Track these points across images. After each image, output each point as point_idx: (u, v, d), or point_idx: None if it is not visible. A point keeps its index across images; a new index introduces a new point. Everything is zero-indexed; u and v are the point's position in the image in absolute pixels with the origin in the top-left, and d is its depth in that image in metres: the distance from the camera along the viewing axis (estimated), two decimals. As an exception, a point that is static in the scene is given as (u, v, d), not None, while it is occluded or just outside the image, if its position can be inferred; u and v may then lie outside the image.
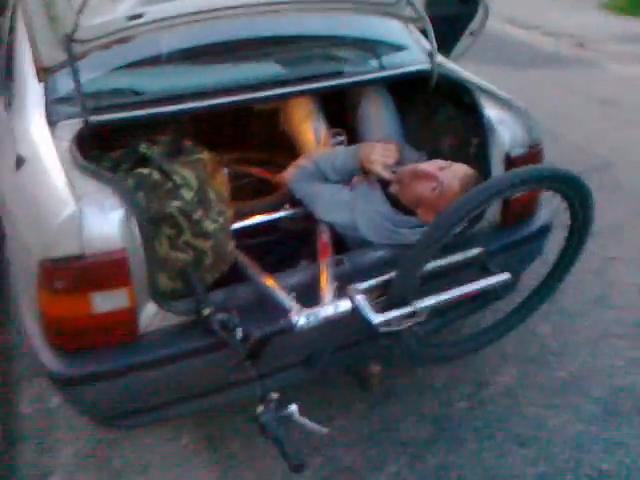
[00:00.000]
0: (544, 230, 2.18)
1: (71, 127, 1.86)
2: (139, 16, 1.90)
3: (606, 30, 7.88)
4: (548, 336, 2.64)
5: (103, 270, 1.56)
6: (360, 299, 1.66)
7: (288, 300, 1.68)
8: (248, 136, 2.69)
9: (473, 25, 2.88)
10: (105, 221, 1.56)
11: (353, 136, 2.47)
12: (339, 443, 2.17)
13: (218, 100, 2.02)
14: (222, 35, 2.15)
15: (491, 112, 2.06)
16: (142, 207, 1.64)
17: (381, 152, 2.12)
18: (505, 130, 2.03)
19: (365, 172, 2.17)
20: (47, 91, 1.94)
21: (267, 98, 2.11)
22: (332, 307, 1.65)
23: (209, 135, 2.42)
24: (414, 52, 2.39)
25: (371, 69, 2.33)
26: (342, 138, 2.40)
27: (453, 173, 1.94)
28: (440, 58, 2.35)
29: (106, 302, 1.59)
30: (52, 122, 1.88)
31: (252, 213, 2.18)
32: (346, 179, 2.19)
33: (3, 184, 1.93)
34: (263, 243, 2.18)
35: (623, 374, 2.47)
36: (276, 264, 1.99)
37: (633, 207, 3.58)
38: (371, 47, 2.38)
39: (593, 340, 2.64)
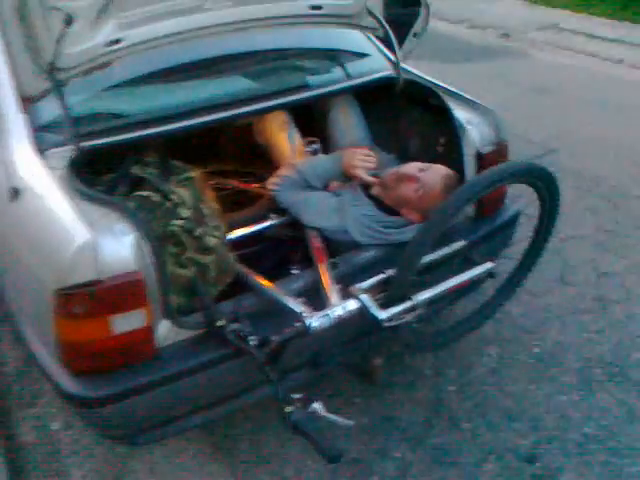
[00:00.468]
0: (514, 218, 2.35)
1: (61, 154, 1.88)
2: (118, 41, 1.94)
3: (526, 20, 8.27)
4: (520, 316, 2.82)
5: (120, 293, 1.60)
6: (366, 298, 1.76)
7: (298, 305, 1.76)
8: (220, 148, 2.75)
9: (416, 27, 3.02)
10: (118, 245, 1.60)
11: (324, 143, 2.57)
12: (343, 437, 2.27)
13: (202, 119, 2.09)
14: (197, 54, 2.23)
15: (459, 113, 2.21)
16: (150, 229, 1.69)
17: (362, 158, 2.23)
18: (474, 129, 2.19)
19: (346, 177, 2.27)
20: (31, 120, 1.95)
21: (248, 113, 2.20)
22: (341, 308, 1.74)
23: (182, 150, 2.47)
24: (377, 60, 2.52)
25: (339, 79, 2.44)
26: (317, 146, 2.50)
27: (434, 174, 2.08)
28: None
29: (124, 323, 1.64)
30: (41, 151, 1.90)
31: (239, 225, 2.24)
32: (327, 185, 2.29)
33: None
34: (252, 253, 2.25)
35: (592, 346, 2.68)
36: (266, 272, 2.07)
37: (580, 189, 3.82)
38: (337, 58, 2.50)
39: (560, 316, 2.84)
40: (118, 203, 1.70)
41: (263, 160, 2.57)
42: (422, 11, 2.89)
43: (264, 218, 2.29)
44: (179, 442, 2.26)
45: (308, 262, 2.15)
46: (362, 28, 2.39)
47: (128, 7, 1.90)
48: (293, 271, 2.17)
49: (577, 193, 3.78)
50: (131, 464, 2.22)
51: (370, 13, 2.34)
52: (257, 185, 2.52)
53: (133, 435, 1.84)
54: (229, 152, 2.77)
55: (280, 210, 2.30)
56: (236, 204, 2.45)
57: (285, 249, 2.30)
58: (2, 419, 2.33)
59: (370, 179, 2.18)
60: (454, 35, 7.46)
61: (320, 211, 2.15)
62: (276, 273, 2.08)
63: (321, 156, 2.36)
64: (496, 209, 2.34)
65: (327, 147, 2.55)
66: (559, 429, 2.30)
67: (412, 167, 2.13)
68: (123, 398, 1.69)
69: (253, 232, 2.26)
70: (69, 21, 1.79)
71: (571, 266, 3.16)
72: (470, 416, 2.36)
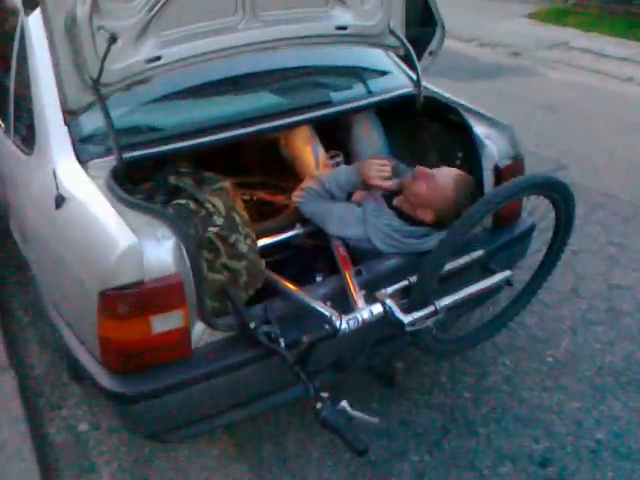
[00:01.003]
0: (530, 230, 2.44)
1: (102, 165, 2.00)
2: (157, 58, 2.06)
3: (536, 39, 8.40)
4: (534, 326, 2.90)
5: (162, 294, 1.71)
6: (390, 302, 1.85)
7: (327, 309, 1.86)
8: (247, 161, 2.85)
9: (432, 46, 3.14)
10: (160, 249, 1.71)
11: (346, 156, 2.68)
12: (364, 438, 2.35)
13: (233, 132, 2.20)
14: (229, 72, 2.34)
15: (478, 129, 2.31)
16: (189, 234, 1.79)
17: (378, 168, 2.31)
18: (493, 144, 2.29)
19: (367, 187, 2.37)
20: (72, 132, 2.06)
21: (275, 128, 2.31)
22: (367, 311, 1.84)
23: (212, 161, 2.58)
24: (398, 77, 2.63)
25: (361, 96, 2.55)
26: (340, 159, 2.60)
27: (446, 173, 2.18)
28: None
29: (164, 323, 1.74)
30: (82, 161, 2.01)
31: (266, 234, 2.34)
32: (350, 195, 2.39)
33: (38, 224, 2.04)
34: (278, 260, 2.35)
35: (602, 355, 2.76)
36: (292, 279, 2.16)
37: (591, 204, 3.92)
38: (360, 75, 2.62)
39: (573, 327, 2.93)
40: (159, 210, 1.80)
41: (288, 173, 2.68)
42: (438, 31, 3.02)
43: (290, 227, 2.39)
44: (204, 443, 2.35)
45: (331, 270, 2.26)
46: (385, 47, 2.50)
47: (167, 27, 2.01)
48: (317, 278, 2.26)
49: (588, 208, 3.87)
50: (157, 463, 2.30)
51: (392, 33, 2.45)
52: (282, 197, 2.63)
53: (166, 432, 1.94)
54: (256, 164, 2.88)
55: (305, 220, 2.39)
56: (262, 214, 2.56)
57: (309, 257, 2.39)
58: (33, 420, 2.42)
59: (387, 185, 2.27)
60: (465, 53, 7.58)
61: (344, 221, 2.24)
62: (301, 280, 2.18)
63: (342, 167, 2.45)
64: (513, 221, 2.43)
65: (350, 161, 2.65)
66: (572, 435, 2.38)
67: (425, 168, 2.22)
68: (159, 395, 1.78)
69: (279, 241, 2.35)
70: (113, 39, 1.90)
71: (583, 279, 3.24)
72: (485, 422, 2.44)
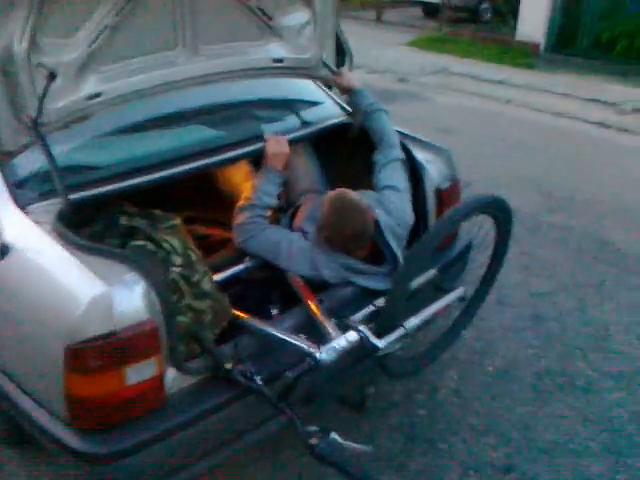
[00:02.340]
0: (468, 247, 2.55)
1: (45, 208, 1.87)
2: (98, 95, 1.97)
3: (419, 65, 8.91)
4: (470, 338, 3.02)
5: (136, 342, 1.61)
6: (364, 329, 1.86)
7: (302, 341, 1.83)
8: (181, 195, 2.77)
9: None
10: (130, 295, 1.61)
11: (284, 186, 2.67)
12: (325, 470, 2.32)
13: (180, 168, 2.14)
14: (166, 107, 2.28)
15: (418, 154, 2.40)
16: (158, 277, 1.70)
17: (275, 148, 2.31)
18: (433, 168, 2.38)
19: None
20: (7, 176, 1.91)
21: (215, 164, 2.26)
22: (344, 339, 1.83)
23: (147, 198, 2.49)
24: (330, 106, 2.68)
25: (296, 127, 2.56)
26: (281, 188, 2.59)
27: (331, 192, 2.22)
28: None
29: (138, 373, 1.64)
30: (22, 206, 1.87)
31: (216, 269, 2.28)
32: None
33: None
34: (230, 296, 2.29)
35: (537, 360, 2.93)
36: (247, 314, 2.12)
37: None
38: (296, 106, 2.64)
39: (505, 336, 3.08)
40: (123, 253, 1.70)
41: (222, 205, 2.62)
42: (347, 60, 3.12)
43: (238, 261, 2.34)
44: None
45: (285, 301, 2.24)
46: (318, 78, 2.55)
47: (107, 62, 1.94)
48: (272, 311, 2.23)
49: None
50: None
51: (325, 65, 2.50)
52: (220, 230, 2.57)
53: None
54: (186, 198, 2.80)
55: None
56: (202, 249, 2.49)
57: (261, 290, 2.36)
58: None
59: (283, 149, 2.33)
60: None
61: (292, 256, 2.19)
62: (255, 313, 2.13)
63: (256, 181, 2.35)
64: (451, 240, 2.53)
65: (286, 190, 2.65)
66: (525, 439, 2.49)
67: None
68: (136, 451, 1.67)
69: (229, 275, 2.29)
70: (53, 76, 1.80)
71: (505, 288, 3.42)
72: (444, 436, 2.50)
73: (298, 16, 2.30)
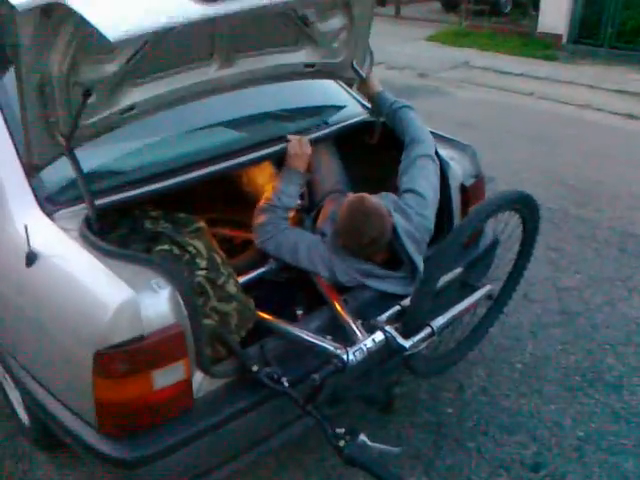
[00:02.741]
0: (495, 244, 2.53)
1: (71, 214, 1.89)
2: (132, 108, 1.96)
3: (438, 60, 8.84)
4: (497, 335, 2.99)
5: (163, 347, 1.62)
6: (390, 329, 1.85)
7: (329, 343, 1.83)
8: (206, 197, 2.78)
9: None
10: (157, 300, 1.63)
11: (307, 187, 2.67)
12: (356, 472, 2.32)
13: (204, 170, 2.15)
14: (192, 111, 2.27)
15: (442, 151, 2.38)
16: (184, 281, 1.71)
17: (296, 148, 2.32)
18: (457, 165, 2.36)
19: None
20: (36, 185, 1.93)
21: (240, 165, 2.26)
22: (371, 340, 1.82)
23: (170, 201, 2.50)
24: (352, 105, 2.67)
25: (320, 126, 2.56)
26: (303, 189, 2.59)
27: (350, 197, 2.19)
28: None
29: (166, 377, 1.65)
30: (48, 213, 1.89)
31: (241, 271, 2.28)
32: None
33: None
34: (255, 298, 2.30)
35: (565, 356, 2.89)
36: (273, 315, 2.12)
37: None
38: (318, 106, 2.65)
39: (533, 331, 3.05)
40: (150, 258, 1.72)
41: (244, 207, 2.63)
42: (367, 57, 3.11)
43: (263, 262, 2.35)
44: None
45: (309, 301, 2.23)
46: (343, 79, 2.54)
47: (143, 75, 1.91)
48: (298, 312, 2.22)
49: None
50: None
51: (353, 68, 2.48)
52: (243, 232, 2.58)
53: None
54: (214, 201, 2.81)
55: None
56: (226, 252, 2.50)
57: (286, 291, 2.36)
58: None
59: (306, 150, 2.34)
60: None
61: (311, 258, 2.19)
62: (281, 315, 2.14)
63: (278, 180, 2.35)
64: (477, 237, 2.51)
65: (309, 190, 2.65)
66: (555, 436, 2.46)
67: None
68: (165, 455, 1.68)
69: (254, 277, 2.30)
70: (88, 94, 1.79)
71: (532, 284, 3.38)
72: (472, 435, 2.48)
73: (335, 21, 2.24)
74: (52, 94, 1.69)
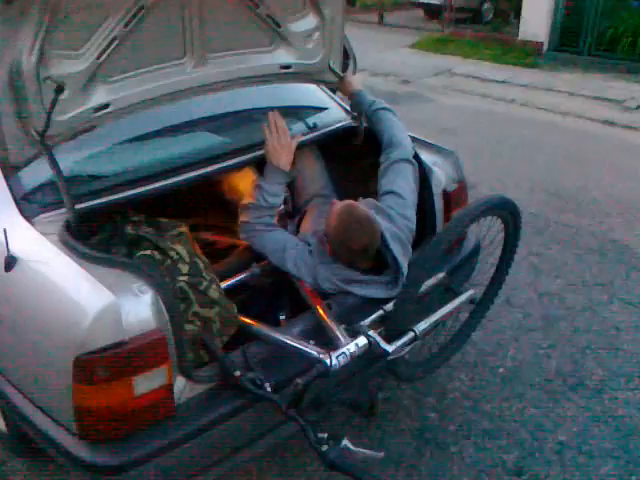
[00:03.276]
0: (477, 249, 2.54)
1: (49, 220, 1.86)
2: (106, 106, 1.96)
3: (422, 67, 8.89)
4: (479, 340, 3.01)
5: (145, 352, 1.61)
6: (374, 334, 1.85)
7: (312, 347, 1.82)
8: (187, 203, 2.77)
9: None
10: (138, 305, 1.62)
11: (291, 191, 2.67)
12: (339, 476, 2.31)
13: (186, 176, 2.14)
14: (173, 115, 2.28)
15: (425, 157, 2.39)
16: (166, 286, 1.70)
17: (274, 142, 2.26)
18: (440, 170, 2.37)
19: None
20: (13, 188, 1.91)
21: (221, 170, 2.25)
22: (354, 344, 1.82)
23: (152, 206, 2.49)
24: (335, 110, 2.67)
25: (304, 131, 2.56)
26: (286, 194, 2.59)
27: (340, 203, 2.15)
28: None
29: (147, 383, 1.64)
30: (28, 217, 1.87)
31: (224, 276, 2.27)
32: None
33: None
34: (238, 302, 2.29)
35: (547, 360, 2.91)
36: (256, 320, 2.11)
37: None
38: (301, 111, 2.63)
39: (514, 336, 3.07)
40: (131, 263, 1.70)
41: (229, 212, 2.62)
42: (351, 63, 3.12)
43: (245, 267, 2.34)
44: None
45: (293, 306, 2.23)
46: (323, 82, 2.55)
47: (115, 72, 1.92)
48: (281, 316, 2.22)
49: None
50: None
51: (331, 69, 2.49)
52: (225, 237, 2.57)
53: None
54: (196, 206, 2.80)
55: (260, 258, 2.34)
56: (208, 256, 2.48)
57: (269, 296, 2.35)
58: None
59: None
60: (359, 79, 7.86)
61: (297, 264, 2.18)
62: (264, 320, 2.13)
63: (261, 180, 2.29)
64: (459, 243, 2.52)
65: (293, 195, 2.65)
66: (537, 440, 2.47)
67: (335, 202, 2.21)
68: (146, 461, 1.66)
69: (237, 282, 2.29)
70: (61, 89, 1.78)
71: (514, 289, 3.41)
72: (455, 439, 2.48)
73: (307, 22, 2.27)
74: (22, 88, 1.69)
